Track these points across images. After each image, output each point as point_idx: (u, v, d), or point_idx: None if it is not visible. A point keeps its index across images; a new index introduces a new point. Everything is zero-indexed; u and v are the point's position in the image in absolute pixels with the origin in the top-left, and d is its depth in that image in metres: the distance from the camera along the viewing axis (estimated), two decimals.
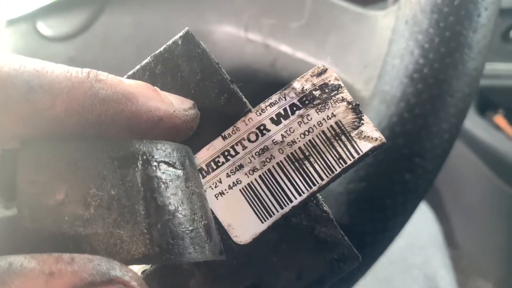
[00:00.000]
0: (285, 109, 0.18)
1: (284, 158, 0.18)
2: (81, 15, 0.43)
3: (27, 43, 0.44)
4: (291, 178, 0.18)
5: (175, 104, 0.17)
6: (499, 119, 0.75)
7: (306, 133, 0.18)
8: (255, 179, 0.18)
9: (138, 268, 0.18)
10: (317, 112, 0.18)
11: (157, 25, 0.42)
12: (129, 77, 0.18)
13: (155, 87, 0.17)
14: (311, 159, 0.18)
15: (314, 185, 0.18)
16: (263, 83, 0.39)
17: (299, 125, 0.18)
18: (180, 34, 0.18)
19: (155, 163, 0.15)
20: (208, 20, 0.40)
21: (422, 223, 0.65)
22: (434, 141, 0.27)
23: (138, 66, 0.18)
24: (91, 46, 0.43)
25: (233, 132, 0.18)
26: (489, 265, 0.84)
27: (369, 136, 0.18)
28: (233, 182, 0.18)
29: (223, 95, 0.18)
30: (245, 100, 0.18)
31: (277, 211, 0.18)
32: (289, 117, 0.18)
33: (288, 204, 0.18)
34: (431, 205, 0.71)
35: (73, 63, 0.43)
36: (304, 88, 0.18)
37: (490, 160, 0.72)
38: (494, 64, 0.76)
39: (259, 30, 0.38)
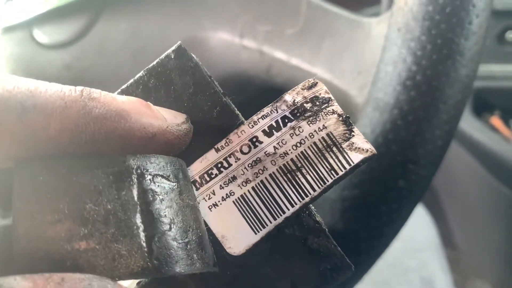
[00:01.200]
0: (277, 121, 0.18)
1: (277, 169, 0.18)
2: (78, 23, 0.43)
3: (23, 51, 0.44)
4: (284, 189, 0.18)
5: (168, 119, 0.17)
6: (495, 120, 0.76)
7: (298, 144, 0.18)
8: (248, 191, 0.18)
9: (133, 280, 0.18)
10: (309, 124, 0.18)
11: (153, 32, 0.42)
12: (123, 91, 0.19)
13: (148, 102, 0.17)
14: (303, 171, 0.18)
15: (307, 196, 0.18)
16: (258, 89, 0.39)
17: (291, 137, 0.18)
18: (173, 48, 0.18)
19: (149, 177, 0.16)
20: (203, 26, 0.41)
21: (418, 226, 0.65)
22: (428, 147, 0.27)
23: (132, 80, 0.19)
24: (87, 53, 0.43)
25: (226, 144, 0.18)
26: (487, 266, 0.84)
27: (360, 147, 0.18)
28: (226, 194, 0.18)
29: (216, 108, 0.18)
30: (237, 112, 0.19)
31: (270, 222, 0.18)
32: (281, 129, 0.18)
33: (281, 215, 0.18)
34: (428, 206, 0.72)
35: (69, 71, 0.44)
36: (296, 101, 0.18)
37: (486, 161, 0.72)
38: (490, 66, 0.76)
39: (254, 37, 0.39)
